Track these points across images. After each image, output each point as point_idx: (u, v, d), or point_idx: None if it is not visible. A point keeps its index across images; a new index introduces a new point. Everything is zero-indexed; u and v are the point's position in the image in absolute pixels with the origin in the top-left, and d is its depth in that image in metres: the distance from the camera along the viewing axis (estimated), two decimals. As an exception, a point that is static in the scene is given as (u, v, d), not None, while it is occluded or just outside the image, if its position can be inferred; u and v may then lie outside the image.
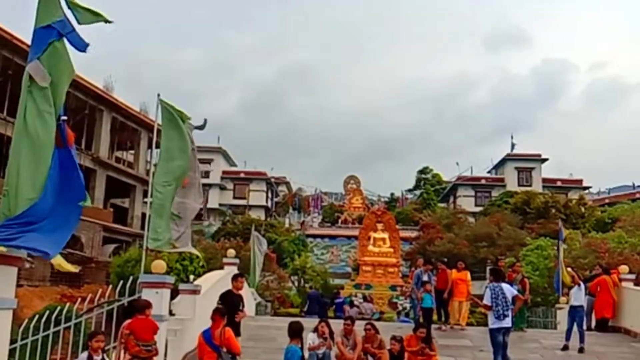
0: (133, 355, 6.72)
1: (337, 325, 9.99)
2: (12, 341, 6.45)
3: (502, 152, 57.90)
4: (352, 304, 22.65)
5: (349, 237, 44.63)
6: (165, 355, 8.41)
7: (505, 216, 37.60)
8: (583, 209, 41.02)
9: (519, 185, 52.34)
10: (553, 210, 38.76)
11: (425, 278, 13.89)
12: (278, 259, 32.95)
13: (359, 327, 10.06)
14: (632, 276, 14.78)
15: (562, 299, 16.28)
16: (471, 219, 45.39)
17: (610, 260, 19.51)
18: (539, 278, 22.11)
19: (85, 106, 29.81)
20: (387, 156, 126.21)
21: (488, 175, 58.95)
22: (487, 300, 9.55)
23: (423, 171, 66.32)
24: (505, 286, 9.78)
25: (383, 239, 31.55)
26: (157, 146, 9.85)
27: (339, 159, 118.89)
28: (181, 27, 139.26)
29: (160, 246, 9.01)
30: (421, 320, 12.70)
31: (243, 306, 9.62)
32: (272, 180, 62.40)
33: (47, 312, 8.11)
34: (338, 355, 9.45)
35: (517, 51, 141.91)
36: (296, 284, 31.93)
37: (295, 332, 8.07)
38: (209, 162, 53.84)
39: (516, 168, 55.42)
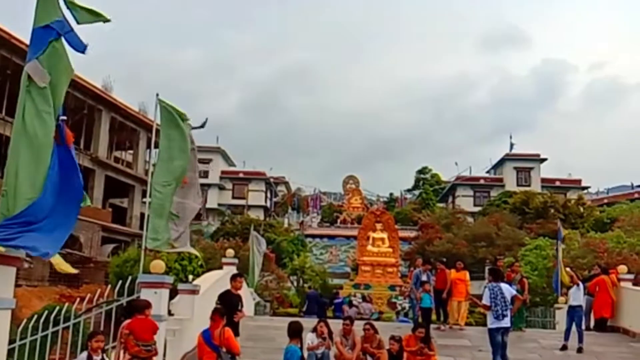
0: (133, 355, 6.72)
1: (336, 325, 10.00)
2: (11, 341, 6.44)
3: (501, 152, 57.98)
4: (351, 304, 22.66)
5: (348, 237, 44.63)
6: (164, 355, 8.41)
7: (504, 216, 37.62)
8: (582, 209, 41.04)
9: (518, 185, 52.36)
10: (552, 210, 38.78)
11: (424, 278, 13.90)
12: (277, 259, 32.95)
13: (358, 327, 10.06)
14: (631, 276, 14.80)
15: (561, 298, 16.29)
16: (470, 219, 45.39)
17: (609, 260, 19.51)
18: (538, 278, 22.13)
19: (84, 106, 29.79)
20: (387, 156, 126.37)
21: (487, 175, 58.97)
22: (486, 300, 9.55)
23: (422, 171, 66.32)
24: (504, 286, 9.79)
25: (382, 239, 31.56)
26: (156, 146, 9.85)
27: (338, 159, 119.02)
28: (181, 27, 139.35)
29: (159, 246, 9.01)
30: (420, 320, 12.71)
31: (242, 306, 9.61)
32: (271, 180, 62.39)
33: (46, 312, 8.11)
34: (337, 355, 9.45)
35: (517, 51, 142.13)
36: (295, 284, 31.94)
37: (295, 332, 8.07)
38: (207, 162, 53.82)
39: (515, 168, 55.45)
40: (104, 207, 33.71)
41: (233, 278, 9.96)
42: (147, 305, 7.21)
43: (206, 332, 7.66)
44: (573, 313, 12.15)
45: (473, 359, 11.22)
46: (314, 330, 9.19)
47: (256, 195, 58.10)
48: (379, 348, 9.64)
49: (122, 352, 6.82)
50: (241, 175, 59.95)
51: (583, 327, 12.44)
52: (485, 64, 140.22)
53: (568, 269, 15.38)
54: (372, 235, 31.70)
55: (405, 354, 9.61)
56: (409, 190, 68.57)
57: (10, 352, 6.60)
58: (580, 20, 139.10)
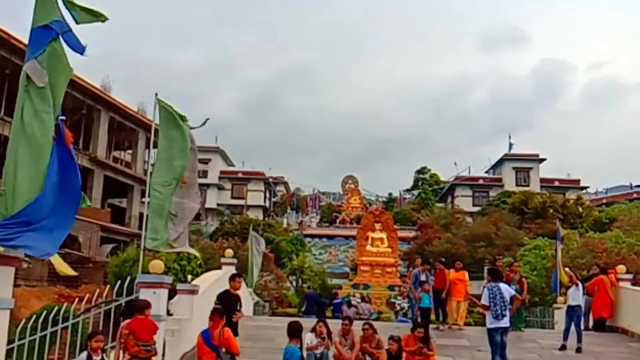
0: (132, 355, 6.72)
1: (335, 325, 10.00)
2: (10, 341, 6.43)
3: (500, 152, 58.02)
4: (349, 304, 22.66)
5: (347, 237, 44.62)
6: (163, 355, 8.41)
7: (503, 216, 37.65)
8: (581, 209, 41.08)
9: (517, 185, 52.39)
10: (551, 210, 38.80)
11: (423, 278, 13.91)
12: (276, 258, 32.94)
13: (357, 327, 10.06)
14: (630, 276, 14.81)
15: (560, 298, 16.30)
16: (469, 219, 45.41)
17: (607, 260, 19.52)
18: (537, 278, 22.13)
19: (82, 106, 29.79)
20: (386, 156, 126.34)
21: (486, 175, 59.01)
22: (485, 300, 9.55)
23: (421, 171, 66.32)
24: (503, 286, 9.79)
25: (381, 239, 31.56)
26: (155, 146, 9.85)
27: (338, 159, 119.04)
28: (181, 27, 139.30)
29: (158, 246, 9.01)
30: (419, 320, 12.72)
31: (240, 306, 9.61)
32: (270, 180, 62.40)
33: (45, 312, 8.11)
34: (336, 355, 9.46)
35: (516, 51, 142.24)
36: (294, 283, 31.93)
37: (295, 332, 8.07)
38: (206, 162, 53.81)
39: (514, 168, 55.50)
40: (102, 207, 33.69)
41: (232, 278, 9.96)
42: (147, 305, 7.21)
43: (205, 332, 7.65)
44: (572, 313, 12.16)
45: (472, 359, 11.22)
46: (313, 330, 9.19)
47: (255, 195, 58.07)
48: (377, 348, 9.64)
49: (121, 352, 6.82)
50: (240, 175, 59.95)
51: (582, 327, 12.45)
52: (484, 63, 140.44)
53: (567, 269, 15.40)
54: (371, 235, 31.69)
55: (404, 354, 9.61)
56: (408, 190, 68.60)
57: (9, 352, 6.59)
58: (579, 20, 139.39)
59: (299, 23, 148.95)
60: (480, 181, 57.24)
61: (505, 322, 9.42)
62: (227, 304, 8.76)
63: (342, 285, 30.25)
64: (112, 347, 7.30)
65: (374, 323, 10.98)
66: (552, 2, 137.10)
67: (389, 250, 31.33)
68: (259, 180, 59.91)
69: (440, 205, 59.08)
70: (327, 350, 9.19)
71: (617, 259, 19.37)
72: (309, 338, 8.92)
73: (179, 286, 10.48)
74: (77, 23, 5.64)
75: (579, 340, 11.75)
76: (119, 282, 8.94)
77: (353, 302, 23.96)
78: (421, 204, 57.80)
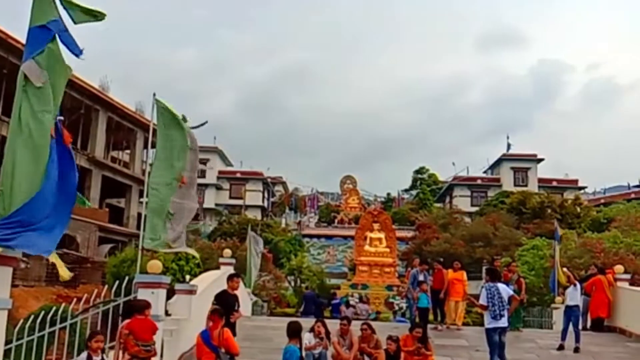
0: (132, 355, 6.72)
1: (333, 325, 10.00)
2: (7, 341, 6.42)
3: (498, 152, 58.16)
4: (348, 304, 22.66)
5: (345, 237, 44.65)
6: (162, 355, 8.39)
7: (501, 216, 37.70)
8: (579, 209, 41.17)
9: (515, 185, 52.48)
10: (549, 210, 38.87)
11: (421, 278, 13.92)
12: (274, 259, 32.92)
13: (355, 327, 10.06)
14: (628, 276, 14.83)
15: (558, 298, 16.32)
16: (467, 219, 45.46)
17: (605, 260, 19.56)
18: (535, 278, 22.16)
19: (80, 106, 29.76)
20: (385, 156, 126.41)
21: (484, 175, 59.10)
22: (483, 300, 9.56)
23: (419, 171, 66.36)
24: (501, 286, 9.80)
25: (379, 239, 31.57)
26: (153, 146, 9.83)
27: (337, 159, 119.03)
28: (180, 27, 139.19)
29: (157, 246, 8.99)
30: (417, 320, 12.73)
31: (238, 306, 9.61)
32: (269, 180, 62.40)
33: (43, 312, 8.08)
34: (334, 355, 9.46)
35: (515, 51, 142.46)
36: (292, 284, 31.93)
37: (294, 332, 8.06)
38: (205, 162, 53.79)
39: (512, 168, 55.59)
40: (100, 207, 33.64)
41: (230, 278, 9.95)
42: (147, 305, 7.21)
43: (205, 332, 7.65)
44: (570, 313, 12.18)
45: (470, 359, 11.22)
46: (312, 330, 9.19)
47: (253, 195, 58.09)
48: (376, 348, 9.64)
49: (121, 352, 6.82)
50: (238, 175, 59.96)
51: (580, 327, 12.48)
52: (483, 63, 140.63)
53: (565, 269, 15.43)
54: (370, 235, 31.70)
55: (402, 354, 9.61)
56: (406, 190, 68.63)
57: (6, 353, 6.58)
58: (577, 20, 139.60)
59: (299, 23, 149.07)
60: (479, 181, 57.32)
61: (503, 322, 9.43)
62: (225, 304, 8.74)
63: (340, 285, 30.27)
64: (111, 348, 7.29)
65: (373, 323, 10.99)
66: (551, 2, 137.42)
67: (387, 250, 31.34)
68: (257, 180, 59.91)
69: (438, 205, 59.14)
70: (326, 350, 9.19)
71: (615, 259, 19.41)
72: (307, 338, 8.91)
73: (177, 286, 10.47)
74: (75, 23, 5.63)
75: (577, 340, 11.77)
76: (117, 282, 8.92)
77: (351, 302, 23.96)
78: (419, 204, 57.84)
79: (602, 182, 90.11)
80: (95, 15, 5.72)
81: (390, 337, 9.72)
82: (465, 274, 14.47)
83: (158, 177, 9.04)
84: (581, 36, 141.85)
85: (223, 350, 7.45)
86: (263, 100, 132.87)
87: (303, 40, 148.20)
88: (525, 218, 38.08)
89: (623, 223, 28.52)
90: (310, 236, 47.34)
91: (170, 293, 9.75)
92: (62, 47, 5.53)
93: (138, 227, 20.20)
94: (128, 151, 38.56)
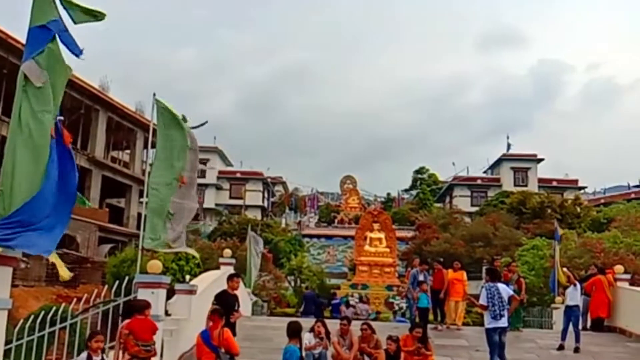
0: (132, 355, 6.72)
1: (333, 325, 10.00)
2: (7, 342, 6.42)
3: (498, 152, 58.17)
4: (348, 304, 22.66)
5: (345, 237, 44.65)
6: (162, 355, 8.39)
7: (501, 216, 37.69)
8: (579, 209, 41.16)
9: (515, 185, 52.49)
10: (549, 210, 38.87)
11: (421, 278, 13.92)
12: (274, 259, 32.93)
13: (355, 327, 10.06)
14: (628, 276, 14.84)
15: (558, 298, 16.32)
16: (467, 219, 45.46)
17: (605, 260, 19.56)
18: (535, 278, 22.16)
19: (80, 106, 29.77)
20: (385, 156, 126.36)
21: (484, 175, 59.10)
22: (483, 300, 9.56)
23: (419, 171, 66.37)
24: (501, 286, 9.80)
25: (379, 239, 31.58)
26: (153, 146, 9.83)
27: (337, 159, 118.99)
28: (180, 27, 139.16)
29: (157, 246, 8.99)
30: (417, 320, 12.73)
31: (238, 306, 9.61)
32: (269, 180, 62.41)
33: (43, 312, 8.07)
34: (334, 355, 9.46)
35: (515, 51, 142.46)
36: (292, 284, 31.93)
37: (294, 332, 8.06)
38: (205, 162, 53.81)
39: (512, 168, 55.60)
40: (100, 207, 33.64)
41: (230, 278, 9.95)
42: (147, 305, 7.21)
43: (205, 332, 7.64)
44: (570, 313, 12.18)
45: (470, 359, 11.23)
46: (311, 330, 9.19)
47: (253, 195, 58.10)
48: (376, 348, 9.64)
49: (121, 352, 6.82)
50: (238, 175, 59.97)
51: (580, 327, 12.48)
52: (483, 63, 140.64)
53: (565, 269, 15.43)
54: (370, 235, 31.71)
55: (402, 354, 9.61)
56: (406, 190, 68.64)
57: (6, 353, 6.58)
58: (577, 20, 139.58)
59: (299, 23, 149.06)
60: (479, 181, 57.32)
61: (503, 322, 9.43)
62: (224, 304, 8.74)
63: (340, 285, 30.27)
64: (111, 347, 7.30)
65: (373, 323, 10.99)
66: (551, 2, 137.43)
67: (387, 250, 31.35)
68: (257, 180, 59.92)
69: (438, 205, 59.14)
70: (326, 350, 9.20)
71: (615, 259, 19.41)
72: (307, 338, 8.91)
73: (177, 286, 10.47)
74: (75, 23, 5.63)
75: (577, 340, 11.77)
76: (117, 282, 8.92)
77: (351, 302, 23.96)
78: (419, 204, 57.85)
79: (602, 182, 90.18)
80: (95, 15, 5.72)
81: (390, 337, 9.72)
82: (465, 274, 14.47)
83: (158, 177, 9.04)
84: (581, 36, 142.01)
85: (223, 350, 7.45)
86: (263, 100, 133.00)
87: (303, 40, 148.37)
88: (525, 218, 38.07)
89: (623, 223, 28.53)
90: (310, 236, 47.35)
91: (170, 293, 9.75)
92: (62, 47, 5.53)
93: (138, 227, 20.19)
94: (128, 151, 38.55)
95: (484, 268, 24.91)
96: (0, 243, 4.88)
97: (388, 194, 68.45)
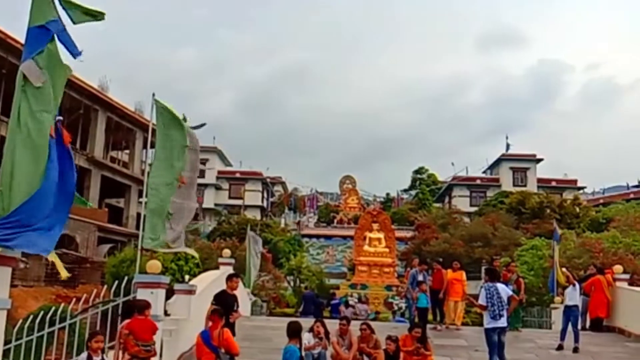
0: (132, 355, 6.73)
1: (332, 325, 10.00)
2: (6, 342, 6.42)
3: (498, 152, 58.19)
4: (347, 304, 22.67)
5: (344, 237, 44.66)
6: (161, 355, 8.39)
7: (500, 216, 37.70)
8: (578, 209, 41.17)
9: (514, 185, 52.51)
10: (548, 211, 38.88)
11: (420, 278, 13.93)
12: (274, 259, 32.94)
13: (354, 327, 10.06)
14: (627, 276, 14.86)
15: (557, 298, 16.33)
16: (466, 219, 45.46)
17: (604, 260, 19.58)
18: (534, 278, 22.16)
19: (80, 106, 29.75)
20: (385, 156, 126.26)
21: (483, 175, 59.12)
22: (482, 300, 9.57)
23: (418, 171, 66.40)
24: (500, 286, 9.81)
25: (379, 239, 31.59)
26: (153, 146, 9.83)
27: (336, 159, 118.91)
28: (180, 27, 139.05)
29: (157, 246, 8.99)
30: (416, 320, 12.73)
31: (237, 306, 9.61)
32: (268, 180, 62.41)
33: (42, 312, 8.07)
34: (334, 355, 9.46)
35: (514, 51, 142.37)
36: (292, 284, 31.94)
37: (294, 332, 8.06)
38: (204, 162, 53.80)
39: (511, 168, 55.62)
40: (100, 207, 33.61)
41: (229, 278, 9.96)
42: (147, 305, 7.22)
43: (205, 332, 7.64)
44: (569, 313, 12.19)
45: (470, 359, 11.23)
46: (311, 330, 9.19)
47: (253, 195, 58.11)
48: (375, 348, 9.64)
49: (121, 352, 6.82)
50: (238, 175, 59.97)
51: (579, 327, 12.48)
52: (483, 63, 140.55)
53: (564, 269, 15.44)
54: (369, 236, 31.72)
55: (401, 354, 9.61)
56: (405, 191, 68.66)
57: (5, 353, 6.57)
58: (576, 20, 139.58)
59: (299, 23, 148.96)
60: (478, 181, 57.34)
61: (502, 322, 9.44)
62: (224, 304, 8.74)
63: (339, 285, 30.29)
64: (111, 347, 7.30)
65: (372, 323, 10.99)
66: (551, 2, 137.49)
67: (387, 250, 31.36)
68: (256, 180, 59.93)
69: (437, 205, 59.14)
70: (325, 350, 9.20)
71: (614, 259, 19.43)
72: (306, 338, 8.91)
73: (177, 286, 10.46)
74: (74, 23, 5.63)
75: (576, 340, 11.78)
76: (116, 282, 8.91)
77: (350, 302, 23.97)
78: (419, 204, 57.87)
79: (601, 182, 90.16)
80: (95, 15, 5.72)
81: (389, 337, 9.72)
82: (464, 274, 14.48)
83: (157, 177, 9.04)
84: (581, 36, 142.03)
85: (223, 350, 7.45)
86: (263, 100, 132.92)
87: (303, 40, 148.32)
88: (525, 218, 38.08)
89: (622, 223, 28.55)
90: (310, 236, 47.36)
91: (170, 293, 9.74)
92: (61, 47, 5.53)
93: (137, 227, 20.20)
94: (127, 151, 38.53)
95: (483, 268, 24.92)
96: (2, 243, 4.88)
97: (387, 194, 68.48)
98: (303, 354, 8.38)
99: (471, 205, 53.66)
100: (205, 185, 55.07)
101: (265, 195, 62.26)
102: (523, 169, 55.32)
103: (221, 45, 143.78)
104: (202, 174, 52.46)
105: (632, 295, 13.80)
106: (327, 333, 9.29)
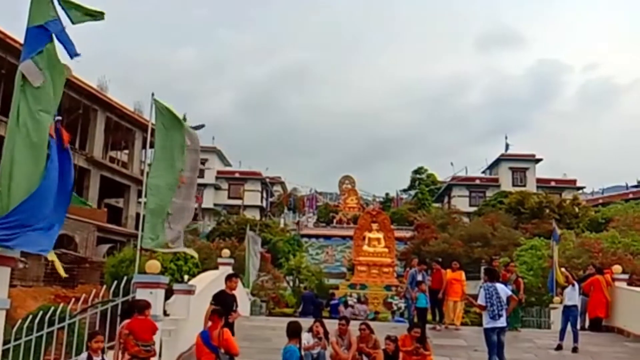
0: (132, 355, 6.73)
1: (331, 325, 10.00)
2: (6, 342, 6.41)
3: (497, 152, 58.20)
4: (346, 304, 22.66)
5: (343, 237, 44.66)
6: (160, 355, 8.39)
7: (499, 216, 37.71)
8: (577, 209, 41.19)
9: (513, 185, 52.53)
10: (547, 211, 38.90)
11: (419, 278, 13.92)
12: (273, 259, 32.95)
13: (354, 327, 10.06)
14: (626, 276, 14.86)
15: (556, 298, 16.35)
16: (465, 219, 45.47)
17: (603, 260, 19.59)
18: (533, 278, 22.17)
19: (79, 106, 29.72)
20: (384, 156, 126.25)
21: (482, 175, 59.13)
22: (481, 300, 9.57)
23: (418, 171, 66.43)
24: (499, 286, 9.81)
25: (378, 239, 31.59)
26: (152, 146, 9.83)
27: (336, 159, 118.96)
28: (180, 27, 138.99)
29: (156, 246, 8.99)
30: (416, 320, 12.74)
31: (236, 306, 9.61)
32: (267, 180, 62.41)
33: (41, 312, 8.07)
34: (333, 355, 9.46)
35: (514, 51, 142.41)
36: (291, 284, 31.94)
37: (294, 332, 8.05)
38: (203, 162, 53.80)
39: (510, 168, 55.64)
40: (99, 207, 33.59)
41: (228, 278, 9.95)
42: (147, 305, 7.22)
43: (205, 332, 7.64)
44: (568, 313, 12.19)
45: (469, 359, 11.23)
46: (310, 330, 9.19)
47: (252, 195, 58.09)
48: (374, 348, 9.64)
49: (121, 352, 6.82)
50: (237, 175, 59.96)
51: (578, 326, 12.49)
52: (483, 63, 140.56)
53: (563, 269, 15.45)
54: (368, 236, 31.73)
55: (401, 354, 9.62)
56: (404, 191, 68.68)
57: (4, 353, 6.57)
58: (577, 20, 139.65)
59: (299, 23, 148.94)
60: (477, 181, 57.36)
61: (502, 322, 9.44)
62: (223, 304, 8.73)
63: (339, 286, 30.28)
64: (111, 347, 7.30)
65: (371, 323, 10.99)
66: (551, 2, 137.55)
67: (386, 250, 31.36)
68: (256, 180, 59.92)
69: (437, 205, 59.16)
70: (324, 350, 9.20)
71: (613, 259, 19.44)
72: (305, 338, 8.91)
73: (176, 286, 10.46)
74: (73, 23, 5.63)
75: (575, 340, 11.79)
76: (115, 282, 8.91)
77: (350, 303, 23.97)
78: (418, 204, 57.90)
79: (600, 182, 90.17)
80: (94, 15, 5.73)
81: (388, 337, 9.72)
82: (463, 274, 14.49)
83: (157, 177, 9.04)
84: (580, 36, 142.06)
85: (222, 350, 7.45)
86: (263, 100, 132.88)
87: (303, 40, 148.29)
88: (524, 218, 38.09)
89: (621, 223, 28.57)
90: (309, 236, 47.37)
91: (169, 293, 9.74)
92: (60, 47, 5.53)
93: (136, 227, 20.20)
94: (126, 151, 38.49)
95: (482, 268, 24.91)
96: (2, 244, 4.88)
97: (386, 194, 68.50)
98: (302, 354, 8.38)
99: (470, 205, 53.67)
100: (205, 185, 55.04)
101: (264, 195, 62.26)
102: (522, 169, 55.35)
103: (221, 45, 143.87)
104: (201, 174, 52.44)
105: (631, 295, 13.81)
106: (326, 333, 9.30)
